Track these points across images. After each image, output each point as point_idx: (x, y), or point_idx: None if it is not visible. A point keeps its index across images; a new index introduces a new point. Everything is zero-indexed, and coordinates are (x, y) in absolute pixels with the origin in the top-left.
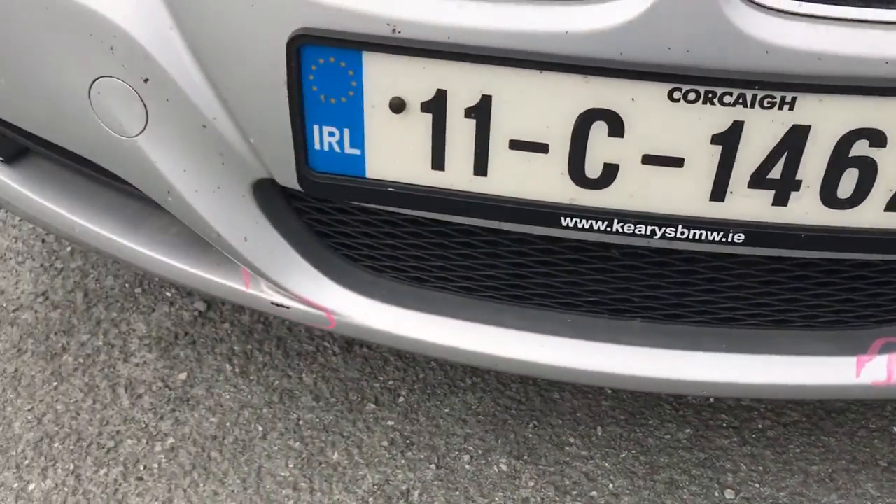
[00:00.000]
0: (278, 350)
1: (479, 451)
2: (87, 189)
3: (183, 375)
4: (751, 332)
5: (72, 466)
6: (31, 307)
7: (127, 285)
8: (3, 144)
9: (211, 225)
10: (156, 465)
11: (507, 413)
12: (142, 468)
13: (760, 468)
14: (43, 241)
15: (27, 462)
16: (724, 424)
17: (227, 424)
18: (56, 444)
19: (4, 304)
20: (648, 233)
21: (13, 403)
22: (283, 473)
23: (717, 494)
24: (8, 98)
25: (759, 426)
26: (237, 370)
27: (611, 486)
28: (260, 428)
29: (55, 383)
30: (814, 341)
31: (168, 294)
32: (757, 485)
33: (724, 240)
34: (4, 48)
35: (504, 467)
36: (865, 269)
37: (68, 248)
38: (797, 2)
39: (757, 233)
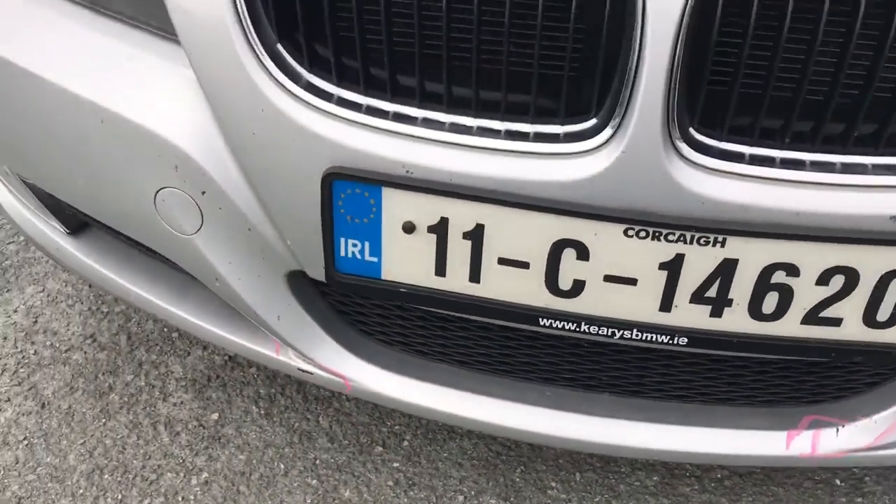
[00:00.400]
0: (298, 394)
1: (472, 493)
2: (142, 261)
3: (215, 415)
4: (700, 407)
5: (120, 496)
6: (81, 348)
7: (165, 329)
8: (69, 219)
9: (250, 306)
10: (192, 497)
11: (498, 458)
12: (180, 499)
13: (736, 500)
14: (90, 285)
15: (81, 491)
16: (687, 473)
17: (254, 462)
18: (106, 476)
19: (57, 345)
20: (609, 334)
21: (68, 437)
22: None
23: None
24: (85, 195)
25: (718, 475)
26: (262, 412)
27: None
28: (282, 466)
29: (104, 420)
30: (752, 417)
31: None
32: None
33: (670, 342)
34: (87, 159)
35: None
36: (792, 362)
37: None
38: (728, 162)
39: (697, 338)
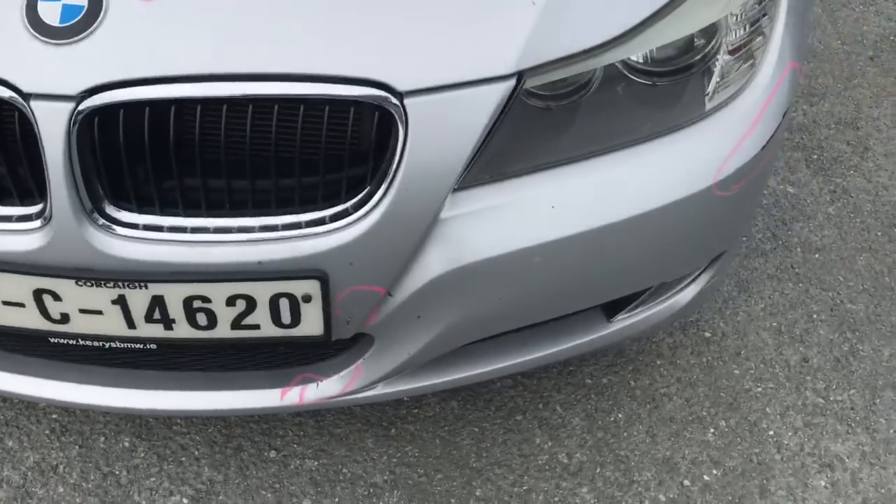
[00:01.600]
0: None
1: (112, 434)
2: None
3: None
4: (221, 375)
5: None
6: None
7: None
8: None
9: None
10: None
11: None
12: None
13: (301, 433)
14: None
15: None
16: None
17: None
18: None
19: None
20: (101, 345)
21: None
22: None
23: (265, 454)
24: None
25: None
26: None
27: (196, 452)
28: None
29: None
30: (262, 379)
31: None
32: (295, 445)
33: (144, 347)
34: None
35: (127, 444)
36: (277, 346)
37: None
38: (140, 230)
39: (163, 344)
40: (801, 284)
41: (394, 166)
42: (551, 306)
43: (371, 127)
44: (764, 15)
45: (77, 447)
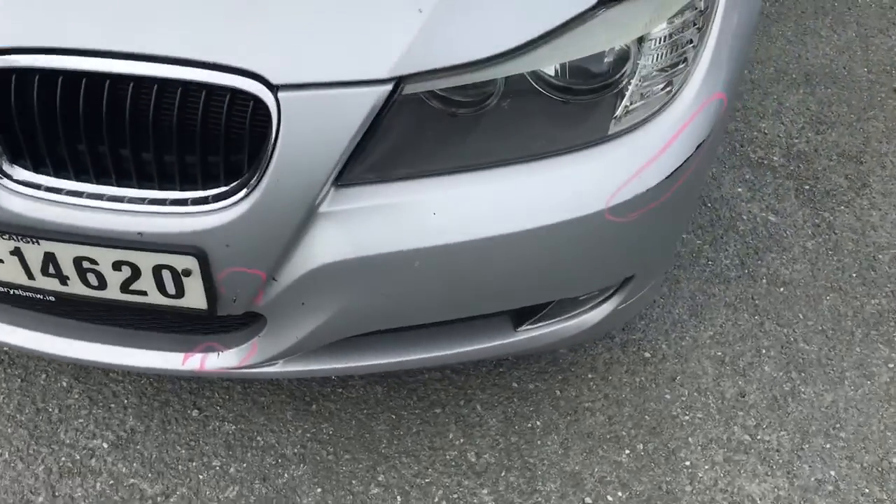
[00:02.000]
0: None
1: (53, 373)
2: None
3: None
4: (146, 334)
5: None
6: None
7: None
8: None
9: None
10: None
11: None
12: None
13: (227, 397)
14: None
15: None
16: None
17: None
18: None
19: None
20: (6, 291)
21: None
22: None
23: (188, 412)
24: None
25: None
26: None
27: (126, 401)
28: None
29: None
30: (170, 342)
31: None
32: (218, 407)
33: (45, 299)
34: None
35: (65, 384)
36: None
37: None
38: (35, 190)
39: (61, 297)
40: (757, 317)
41: (267, 156)
42: (440, 310)
43: (246, 116)
44: (690, 42)
45: (19, 381)
